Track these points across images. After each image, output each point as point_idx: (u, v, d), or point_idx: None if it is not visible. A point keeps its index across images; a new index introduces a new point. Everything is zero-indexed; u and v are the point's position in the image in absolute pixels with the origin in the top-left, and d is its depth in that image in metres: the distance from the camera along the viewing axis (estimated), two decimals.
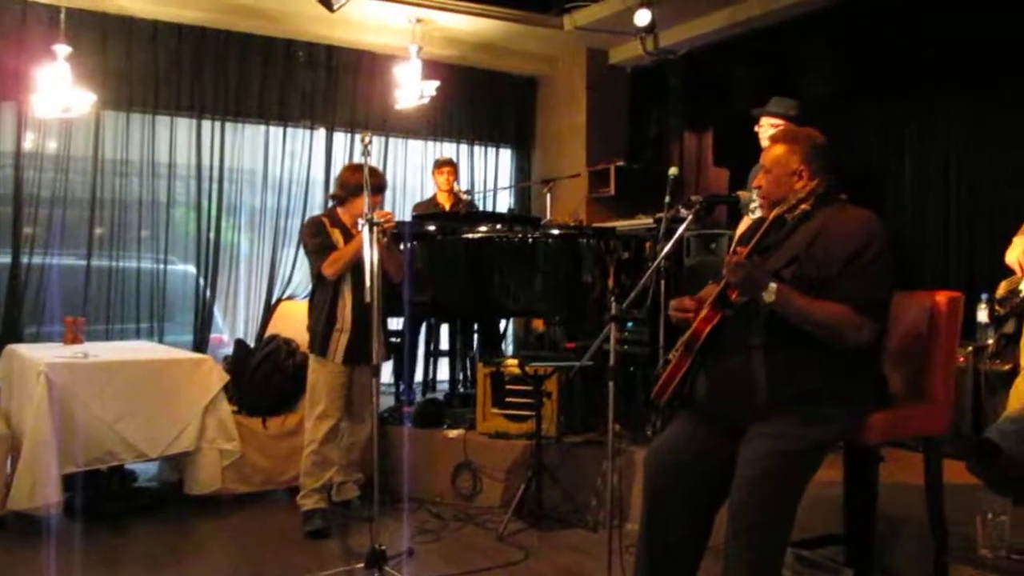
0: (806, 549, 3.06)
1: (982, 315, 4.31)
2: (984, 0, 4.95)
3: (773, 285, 2.46)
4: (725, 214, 5.64)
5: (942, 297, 2.85)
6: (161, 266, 6.43)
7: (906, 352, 2.87)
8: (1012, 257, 3.54)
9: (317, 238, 4.22)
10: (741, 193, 3.92)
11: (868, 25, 5.58)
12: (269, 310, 6.67)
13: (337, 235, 4.23)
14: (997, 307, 3.71)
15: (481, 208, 7.11)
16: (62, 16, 5.18)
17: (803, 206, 2.59)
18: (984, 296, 4.28)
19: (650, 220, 6.25)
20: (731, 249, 2.82)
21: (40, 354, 4.37)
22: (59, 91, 5.01)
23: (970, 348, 4.17)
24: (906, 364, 2.88)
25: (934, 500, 2.90)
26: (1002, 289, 3.68)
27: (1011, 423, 3.20)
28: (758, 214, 3.01)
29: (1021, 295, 3.54)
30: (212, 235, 6.58)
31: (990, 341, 4.07)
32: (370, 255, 3.50)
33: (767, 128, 4.40)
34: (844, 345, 2.49)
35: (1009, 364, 3.81)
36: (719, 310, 2.62)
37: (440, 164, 6.51)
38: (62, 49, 5.00)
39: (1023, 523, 3.01)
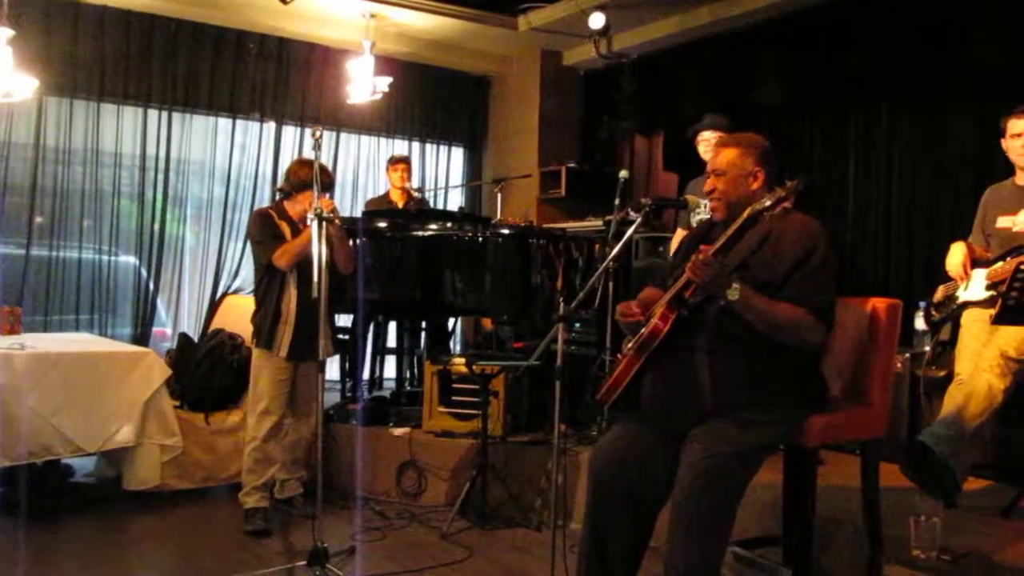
0: (745, 549, 3.12)
1: (920, 322, 4.40)
2: (929, 12, 5.07)
3: (736, 284, 2.47)
4: (674, 217, 5.69)
5: (881, 303, 2.91)
6: (104, 257, 6.30)
7: (845, 357, 2.93)
8: (952, 263, 3.61)
9: (266, 228, 4.18)
10: (689, 197, 3.95)
11: (814, 35, 5.70)
12: (214, 304, 6.58)
13: (285, 227, 4.20)
14: (934, 311, 3.78)
15: (432, 206, 7.09)
16: None
17: (784, 204, 2.47)
18: (922, 304, 4.37)
19: (600, 222, 6.31)
20: (675, 250, 2.83)
21: None
22: (0, 75, 4.88)
23: (907, 354, 4.27)
24: (845, 369, 2.94)
25: (870, 502, 2.97)
26: (939, 294, 3.75)
27: (944, 427, 3.28)
28: (703, 216, 3.01)
29: (958, 301, 3.62)
30: (156, 227, 6.48)
31: (927, 348, 4.16)
32: (318, 250, 3.47)
33: (709, 142, 4.43)
34: (799, 346, 2.55)
35: (945, 370, 3.89)
36: (675, 309, 2.62)
37: (395, 161, 6.48)
38: (4, 32, 4.87)
39: (954, 525, 3.10)
